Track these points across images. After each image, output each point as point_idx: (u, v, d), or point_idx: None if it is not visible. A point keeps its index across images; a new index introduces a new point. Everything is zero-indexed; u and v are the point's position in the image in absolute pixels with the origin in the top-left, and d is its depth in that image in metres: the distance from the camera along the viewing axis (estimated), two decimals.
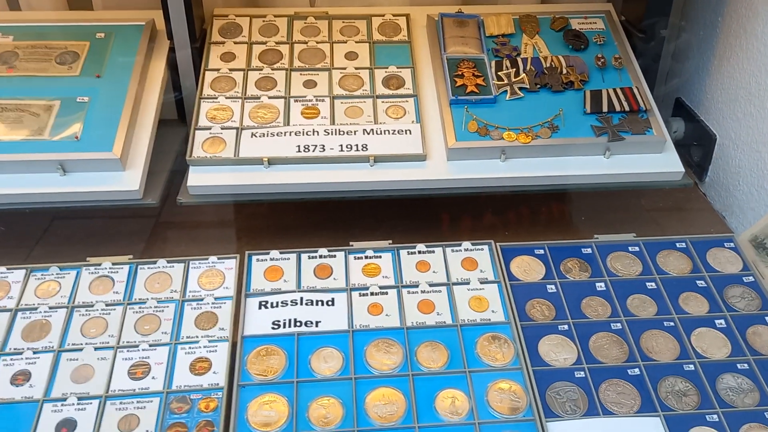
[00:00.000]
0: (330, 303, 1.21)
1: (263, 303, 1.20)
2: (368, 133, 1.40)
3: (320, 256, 1.29)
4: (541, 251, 1.31)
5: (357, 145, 1.37)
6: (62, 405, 1.04)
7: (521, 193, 1.38)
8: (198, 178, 1.32)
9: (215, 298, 1.20)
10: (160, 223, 1.48)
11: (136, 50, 1.48)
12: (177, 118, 1.58)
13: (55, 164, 1.28)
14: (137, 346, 1.12)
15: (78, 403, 1.04)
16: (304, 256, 1.28)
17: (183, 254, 1.29)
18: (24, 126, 1.32)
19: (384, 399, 1.07)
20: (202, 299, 1.20)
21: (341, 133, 1.39)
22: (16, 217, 1.37)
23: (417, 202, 1.44)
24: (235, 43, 1.56)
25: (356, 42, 1.59)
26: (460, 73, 1.47)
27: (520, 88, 1.45)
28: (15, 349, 1.11)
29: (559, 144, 1.37)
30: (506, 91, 1.45)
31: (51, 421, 1.02)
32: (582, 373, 1.11)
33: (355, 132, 1.39)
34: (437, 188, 1.37)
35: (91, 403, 1.05)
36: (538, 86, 1.46)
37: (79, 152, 1.29)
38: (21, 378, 1.07)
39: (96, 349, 1.12)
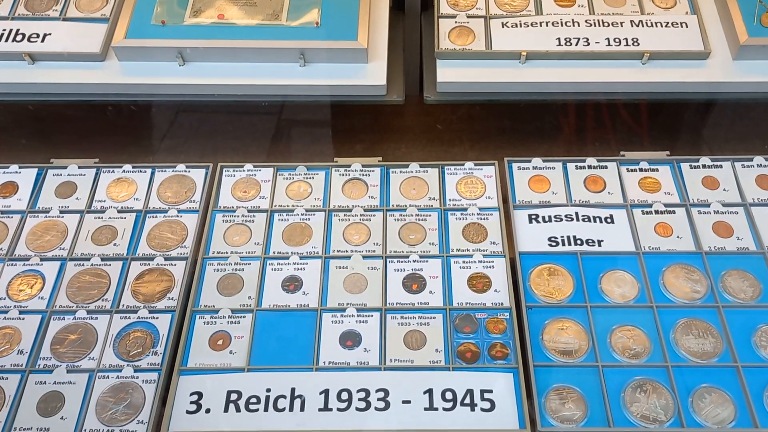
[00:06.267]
0: (609, 220, 1.08)
1: (533, 216, 1.08)
2: (636, 25, 1.20)
3: (589, 167, 1.14)
4: None
5: (626, 39, 1.19)
6: (342, 316, 0.97)
7: None
8: (448, 73, 1.18)
9: (479, 209, 1.09)
10: (382, 121, 1.36)
11: None
12: (391, 4, 1.42)
13: (297, 53, 1.16)
14: (407, 257, 1.03)
15: (358, 315, 0.97)
16: (570, 166, 1.14)
17: (414, 158, 1.17)
18: (258, 9, 1.20)
19: (694, 332, 0.95)
20: (465, 209, 1.09)
21: (605, 24, 1.21)
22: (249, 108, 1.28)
23: (692, 107, 1.25)
24: None
25: None
26: None
27: None
28: (280, 252, 1.04)
29: None
30: None
31: (334, 332, 0.96)
32: None
33: (621, 23, 1.20)
34: (721, 92, 1.18)
35: (372, 316, 0.97)
36: None
37: (322, 40, 1.17)
38: (292, 284, 1.01)
39: (365, 257, 1.03)
